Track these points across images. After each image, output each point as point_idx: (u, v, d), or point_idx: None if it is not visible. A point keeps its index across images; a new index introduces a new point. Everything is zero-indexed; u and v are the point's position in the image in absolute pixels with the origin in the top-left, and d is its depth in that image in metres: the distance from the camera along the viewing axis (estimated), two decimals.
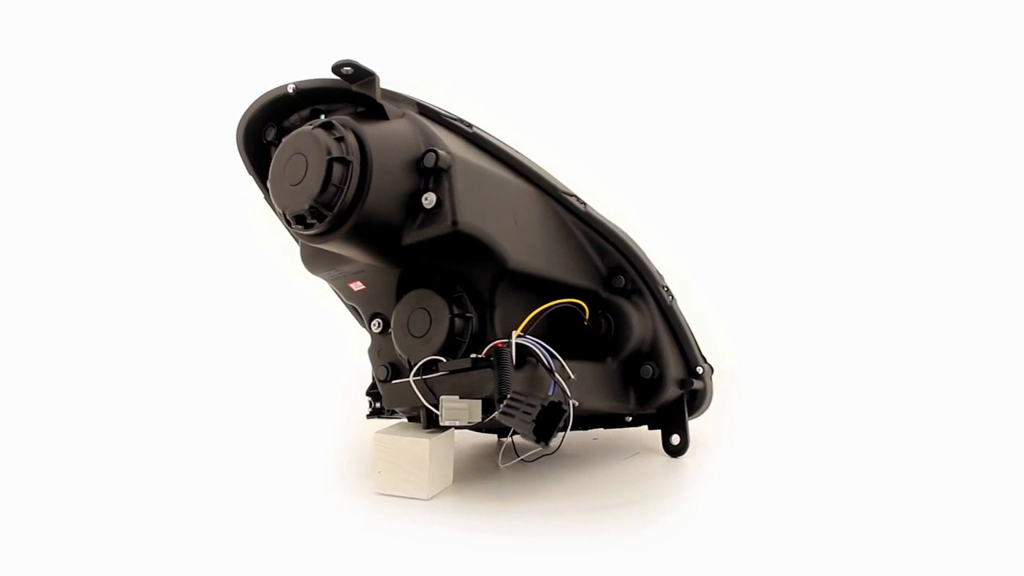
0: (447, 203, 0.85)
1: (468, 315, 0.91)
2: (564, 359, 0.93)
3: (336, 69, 0.86)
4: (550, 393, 0.87)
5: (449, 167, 0.86)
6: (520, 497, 0.94)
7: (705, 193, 1.75)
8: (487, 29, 1.72)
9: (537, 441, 0.78)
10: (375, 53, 1.50)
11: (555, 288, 0.98)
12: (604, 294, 1.04)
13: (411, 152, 0.87)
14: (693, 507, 0.94)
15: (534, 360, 0.89)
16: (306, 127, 0.86)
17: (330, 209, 0.83)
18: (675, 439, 1.08)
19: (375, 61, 1.24)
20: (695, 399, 1.09)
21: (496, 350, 0.86)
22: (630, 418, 1.11)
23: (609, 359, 1.02)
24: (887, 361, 1.62)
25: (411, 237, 0.87)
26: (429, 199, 0.85)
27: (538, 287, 0.96)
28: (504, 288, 0.93)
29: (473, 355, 0.88)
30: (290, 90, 0.92)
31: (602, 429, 1.15)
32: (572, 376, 0.92)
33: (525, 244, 0.93)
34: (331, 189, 0.83)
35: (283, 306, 1.66)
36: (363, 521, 0.87)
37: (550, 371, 0.88)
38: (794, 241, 1.74)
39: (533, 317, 0.93)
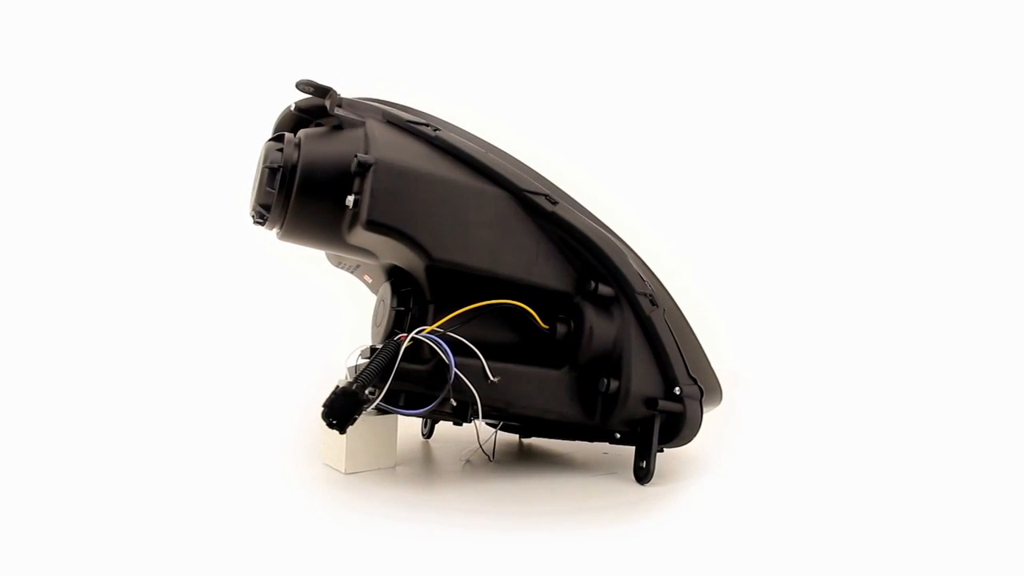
0: (364, 203, 0.91)
1: (409, 309, 0.96)
2: (515, 362, 0.93)
3: (298, 87, 0.97)
4: (442, 396, 0.89)
5: (367, 170, 0.92)
6: (443, 492, 0.96)
7: (713, 196, 1.74)
8: (501, 34, 1.71)
9: (329, 426, 0.80)
10: (390, 59, 1.58)
11: (516, 288, 0.96)
12: (576, 298, 0.99)
13: (350, 159, 0.95)
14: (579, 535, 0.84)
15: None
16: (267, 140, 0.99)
17: (267, 210, 0.96)
18: (644, 463, 0.98)
19: (390, 66, 1.32)
20: (674, 423, 0.98)
21: (388, 342, 0.90)
22: (618, 434, 1.03)
23: (567, 367, 0.97)
24: (890, 374, 1.56)
25: (348, 236, 0.95)
26: (349, 200, 0.92)
27: (491, 286, 0.95)
28: (444, 284, 0.95)
29: (373, 346, 0.93)
30: (292, 108, 1.05)
31: (607, 444, 1.08)
32: (492, 378, 0.92)
33: (460, 241, 0.94)
34: (266, 192, 0.95)
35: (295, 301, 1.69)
36: (283, 481, 0.96)
37: (447, 367, 0.89)
38: (802, 246, 1.73)
39: (459, 314, 0.94)
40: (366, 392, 0.81)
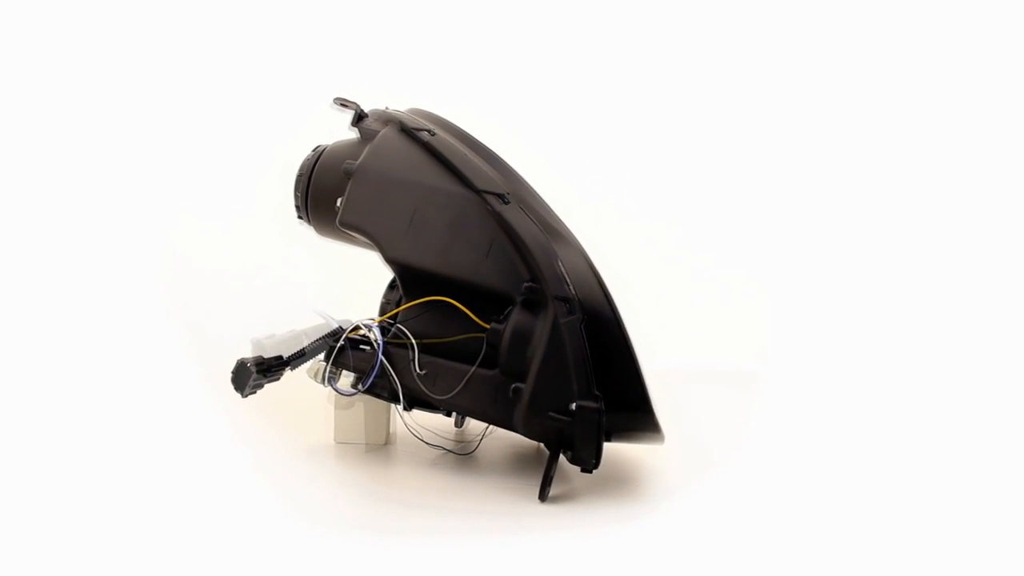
0: (342, 205, 1.06)
1: (389, 300, 1.09)
2: (461, 361, 0.99)
3: (334, 103, 1.15)
4: (369, 379, 1.00)
5: (351, 175, 1.05)
6: (392, 475, 1.06)
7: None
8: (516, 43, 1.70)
9: (235, 389, 0.95)
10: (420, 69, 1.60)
11: (464, 288, 1.00)
12: (518, 299, 0.98)
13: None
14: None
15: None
16: None
17: (299, 210, 1.16)
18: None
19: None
20: (569, 439, 0.93)
21: (335, 328, 1.03)
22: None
23: (498, 368, 0.98)
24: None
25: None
26: (338, 202, 1.07)
27: (444, 284, 1.01)
28: (411, 280, 1.05)
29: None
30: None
31: None
32: (418, 371, 0.99)
33: (412, 242, 1.02)
34: (297, 196, 1.15)
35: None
36: (273, 444, 1.13)
37: (371, 355, 0.99)
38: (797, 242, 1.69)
39: (402, 310, 1.03)
40: (256, 366, 0.96)
